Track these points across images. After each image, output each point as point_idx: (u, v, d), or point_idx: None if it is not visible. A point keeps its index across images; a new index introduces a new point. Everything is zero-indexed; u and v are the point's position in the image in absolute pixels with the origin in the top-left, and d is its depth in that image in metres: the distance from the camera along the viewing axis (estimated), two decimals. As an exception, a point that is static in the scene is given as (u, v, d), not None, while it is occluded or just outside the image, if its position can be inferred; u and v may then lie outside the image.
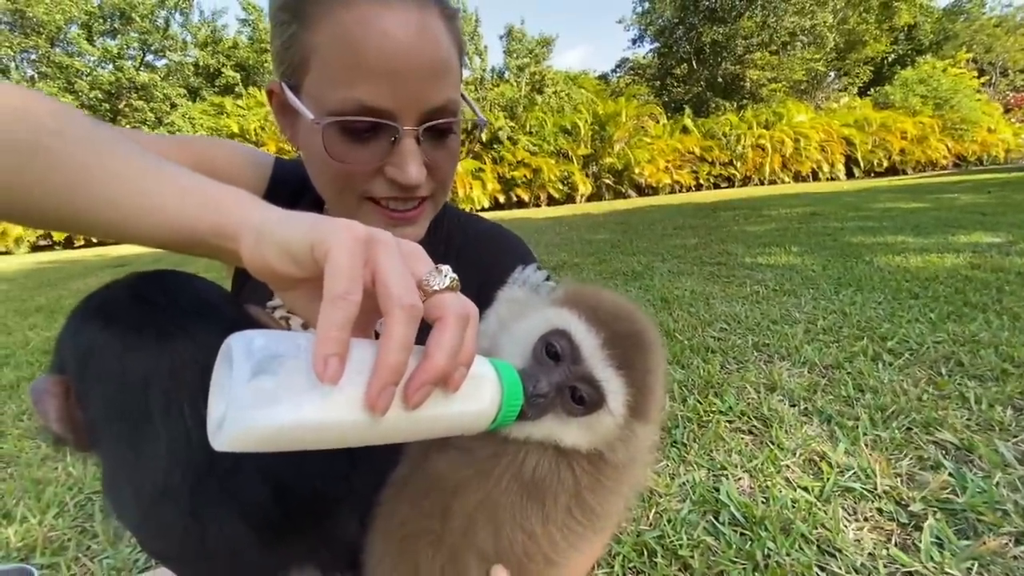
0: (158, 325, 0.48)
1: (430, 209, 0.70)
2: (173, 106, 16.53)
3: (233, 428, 0.28)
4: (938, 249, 3.87)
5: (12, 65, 15.12)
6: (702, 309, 2.81)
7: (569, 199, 20.49)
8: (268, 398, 0.29)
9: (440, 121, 0.61)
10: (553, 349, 0.50)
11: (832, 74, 31.49)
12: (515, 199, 19.73)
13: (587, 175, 21.04)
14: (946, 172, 20.20)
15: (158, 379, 0.47)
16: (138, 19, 16.41)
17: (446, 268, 0.38)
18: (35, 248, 17.03)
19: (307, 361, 0.30)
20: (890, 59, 32.01)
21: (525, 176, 19.68)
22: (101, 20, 16.38)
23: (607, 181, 21.45)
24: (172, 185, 0.42)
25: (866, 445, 1.40)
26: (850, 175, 22.67)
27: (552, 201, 20.23)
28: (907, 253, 3.84)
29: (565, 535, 0.50)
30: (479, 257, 0.80)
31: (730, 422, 1.59)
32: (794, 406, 1.65)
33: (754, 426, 1.55)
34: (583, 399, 0.48)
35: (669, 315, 2.74)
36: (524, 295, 0.79)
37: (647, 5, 32.63)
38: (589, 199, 20.75)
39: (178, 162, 0.63)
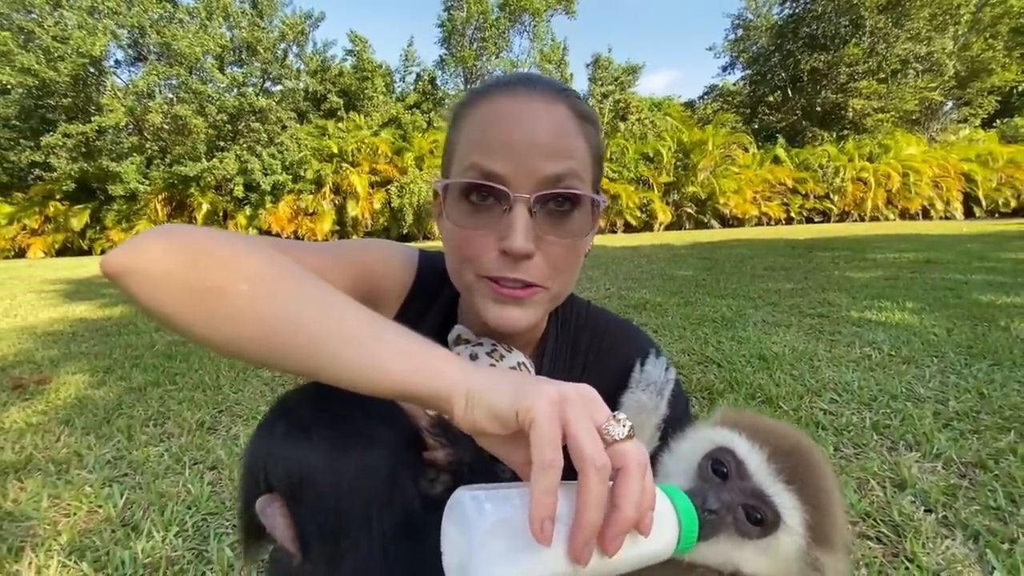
0: (351, 439, 0.52)
1: (544, 299, 0.68)
2: (283, 128, 18.22)
3: None
4: (1096, 320, 3.34)
5: (157, 90, 17.44)
6: (807, 373, 2.59)
7: (647, 227, 20.08)
8: (500, 559, 0.36)
9: (553, 191, 0.63)
10: (720, 467, 0.52)
11: (950, 104, 28.67)
12: (591, 225, 19.57)
13: (667, 203, 20.53)
14: (1093, 216, 17.63)
15: (354, 494, 0.51)
16: (262, 51, 18.38)
17: (622, 416, 0.41)
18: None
19: (523, 520, 0.36)
20: (1020, 89, 28.63)
21: (603, 202, 19.51)
22: (232, 52, 18.52)
23: (688, 210, 20.80)
24: (393, 349, 0.47)
25: (1029, 577, 1.20)
26: (968, 214, 20.40)
27: (629, 228, 19.91)
28: (1054, 321, 3.35)
29: None
30: (607, 362, 0.81)
31: (853, 523, 1.43)
32: (930, 512, 1.45)
33: (882, 532, 1.38)
34: (759, 518, 0.48)
35: (769, 377, 2.55)
36: (648, 399, 0.77)
37: (740, 32, 31.61)
38: (668, 228, 20.20)
39: (349, 277, 0.69)
